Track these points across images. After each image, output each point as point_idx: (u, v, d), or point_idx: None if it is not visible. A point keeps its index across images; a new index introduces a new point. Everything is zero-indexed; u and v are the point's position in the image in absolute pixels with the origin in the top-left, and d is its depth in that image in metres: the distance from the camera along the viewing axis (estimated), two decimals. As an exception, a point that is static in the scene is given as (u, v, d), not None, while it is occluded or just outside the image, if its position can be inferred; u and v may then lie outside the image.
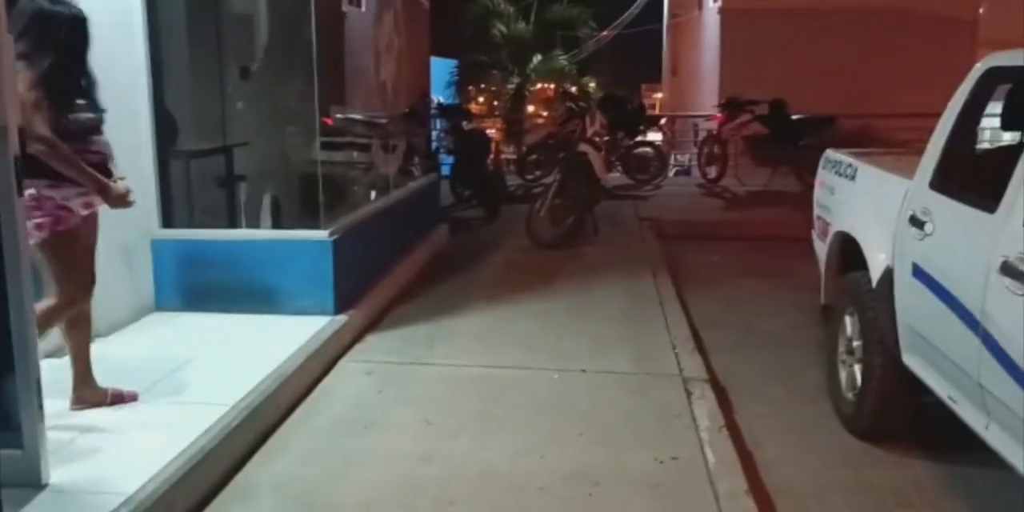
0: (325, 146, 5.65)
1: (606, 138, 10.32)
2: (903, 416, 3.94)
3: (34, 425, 2.90)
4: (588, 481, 3.42)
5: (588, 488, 3.38)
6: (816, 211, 5.27)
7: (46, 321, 3.43)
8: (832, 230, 4.78)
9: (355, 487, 3.41)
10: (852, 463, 3.82)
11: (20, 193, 2.88)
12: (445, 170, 10.66)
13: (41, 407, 2.94)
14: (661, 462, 3.60)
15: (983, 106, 3.70)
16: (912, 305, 3.65)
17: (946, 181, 3.63)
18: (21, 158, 2.89)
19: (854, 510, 3.40)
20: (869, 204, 4.39)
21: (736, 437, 3.98)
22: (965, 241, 3.32)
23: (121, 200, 3.63)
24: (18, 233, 2.82)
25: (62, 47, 3.42)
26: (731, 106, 12.14)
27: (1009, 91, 3.55)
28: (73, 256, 3.55)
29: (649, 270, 7.22)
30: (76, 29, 3.50)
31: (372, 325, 5.59)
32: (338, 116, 6.54)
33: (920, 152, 3.92)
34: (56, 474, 3.04)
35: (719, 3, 14.78)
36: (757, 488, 3.47)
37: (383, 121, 7.18)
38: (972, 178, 3.56)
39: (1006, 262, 2.86)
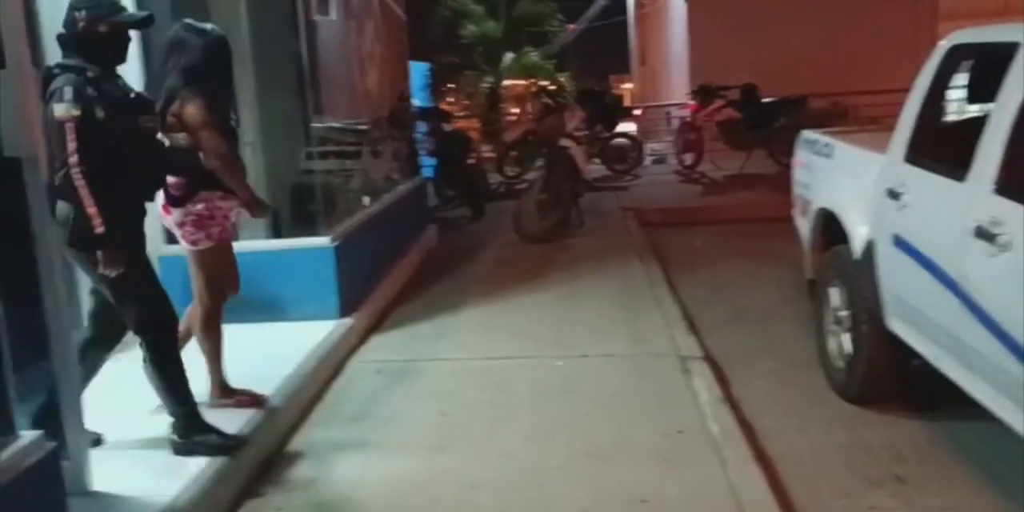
0: (317, 154, 5.79)
1: (585, 131, 10.51)
2: (892, 379, 4.15)
3: (78, 435, 3.05)
4: (601, 458, 3.61)
5: (601, 465, 3.56)
6: (796, 190, 5.47)
7: (198, 325, 3.84)
8: (813, 207, 4.98)
9: (380, 478, 3.58)
10: (847, 426, 4.02)
11: (53, 217, 3.06)
12: (428, 172, 10.81)
13: (83, 418, 3.09)
14: (668, 436, 3.79)
15: (949, 81, 3.91)
16: (894, 273, 3.86)
17: (919, 154, 3.84)
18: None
19: (853, 468, 3.60)
20: (847, 180, 4.59)
21: (735, 409, 4.18)
22: (940, 209, 3.52)
23: (266, 212, 4.06)
24: (53, 258, 2.96)
25: (216, 70, 3.69)
26: (703, 93, 12.35)
27: (973, 66, 3.77)
28: (229, 262, 3.90)
29: (636, 257, 7.42)
30: (224, 51, 3.79)
31: (375, 326, 5.76)
32: (316, 125, 6.68)
33: (892, 128, 4.13)
34: (99, 482, 3.19)
35: (684, -8, 14.99)
36: (760, 455, 3.67)
37: (365, 128, 7.32)
38: (942, 150, 3.76)
39: (979, 226, 3.06)
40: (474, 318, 5.91)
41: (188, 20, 3.78)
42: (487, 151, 14.89)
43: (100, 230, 3.10)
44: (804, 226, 5.21)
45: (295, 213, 5.97)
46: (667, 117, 15.43)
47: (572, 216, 8.85)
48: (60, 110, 3.03)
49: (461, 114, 17.71)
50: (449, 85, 20.75)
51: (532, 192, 8.58)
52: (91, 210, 3.07)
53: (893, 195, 3.86)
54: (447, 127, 11.35)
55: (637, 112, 16.08)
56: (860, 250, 4.14)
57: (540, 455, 3.68)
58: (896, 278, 3.85)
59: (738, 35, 13.41)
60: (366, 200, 6.87)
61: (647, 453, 3.64)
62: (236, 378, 4.43)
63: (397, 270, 6.88)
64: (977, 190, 3.18)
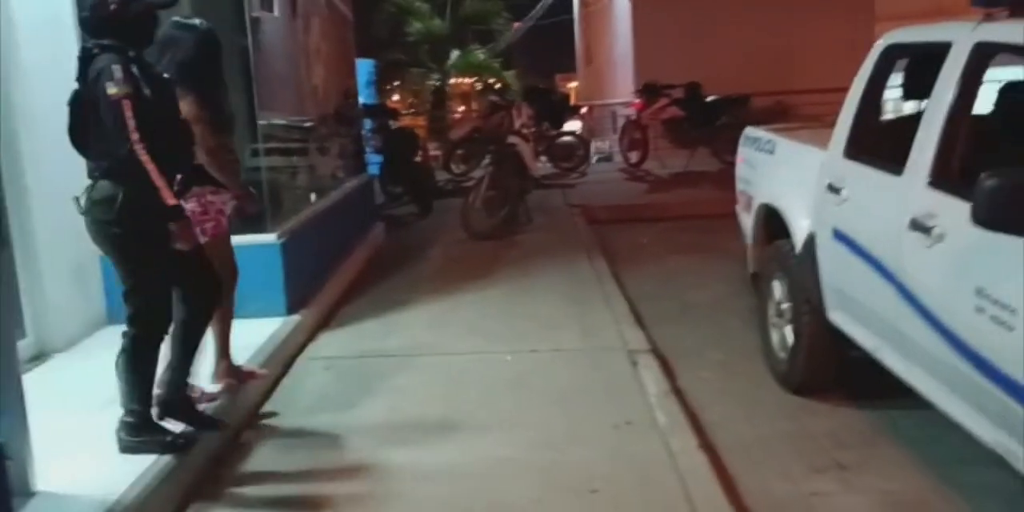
0: (263, 151, 5.73)
1: (532, 129, 10.57)
2: (832, 370, 4.26)
3: (21, 435, 3.00)
4: (552, 448, 3.66)
5: (552, 456, 3.60)
6: (739, 186, 5.58)
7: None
8: (756, 202, 5.09)
9: (331, 473, 3.58)
10: (790, 415, 4.12)
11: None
12: (374, 169, 10.78)
13: (25, 418, 3.04)
14: (617, 427, 3.86)
15: (886, 79, 4.03)
16: (834, 266, 3.96)
17: (857, 150, 3.95)
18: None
19: (796, 455, 3.70)
20: (789, 176, 4.70)
21: (682, 400, 4.26)
22: (878, 203, 3.63)
23: (256, 205, 4.18)
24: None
25: (206, 64, 3.75)
26: (648, 91, 12.49)
27: (907, 64, 3.89)
28: (228, 254, 3.97)
29: (584, 253, 7.49)
30: (214, 45, 3.84)
31: (324, 323, 5.74)
32: (262, 121, 6.62)
33: (831, 125, 4.24)
34: (42, 482, 3.14)
35: (628, -9, 15.12)
36: (707, 444, 3.75)
37: (311, 124, 7.28)
38: (880, 146, 3.87)
39: (914, 219, 3.16)
40: (423, 314, 5.92)
41: (176, 17, 3.83)
42: (433, 148, 14.90)
43: (172, 201, 3.21)
44: (747, 221, 5.31)
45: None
46: (612, 115, 15.57)
47: (520, 213, 8.91)
48: (114, 89, 3.08)
49: (407, 111, 17.66)
50: (395, 82, 20.68)
51: (480, 189, 8.61)
52: (160, 183, 3.15)
53: (833, 190, 3.96)
54: (394, 124, 11.34)
55: (583, 110, 16.18)
56: (801, 244, 4.24)
57: (491, 447, 3.71)
58: (836, 271, 3.95)
59: (682, 34, 13.58)
60: (314, 197, 6.84)
61: (597, 444, 3.70)
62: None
63: (345, 267, 6.85)
64: (913, 184, 3.28)
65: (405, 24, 18.02)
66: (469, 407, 4.20)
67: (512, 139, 8.95)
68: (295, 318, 5.33)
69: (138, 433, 3.41)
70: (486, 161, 9.53)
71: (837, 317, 3.98)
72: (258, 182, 5.55)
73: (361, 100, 10.95)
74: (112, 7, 3.22)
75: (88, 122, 3.24)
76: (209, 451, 3.68)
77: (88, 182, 3.37)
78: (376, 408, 4.23)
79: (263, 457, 3.77)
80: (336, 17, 8.04)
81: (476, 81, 19.19)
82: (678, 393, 4.35)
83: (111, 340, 5.03)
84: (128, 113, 3.08)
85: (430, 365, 4.88)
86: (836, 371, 4.25)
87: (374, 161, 10.93)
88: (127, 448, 3.40)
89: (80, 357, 4.80)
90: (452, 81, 19.31)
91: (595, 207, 10.02)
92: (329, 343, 5.39)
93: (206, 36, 3.82)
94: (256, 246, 5.31)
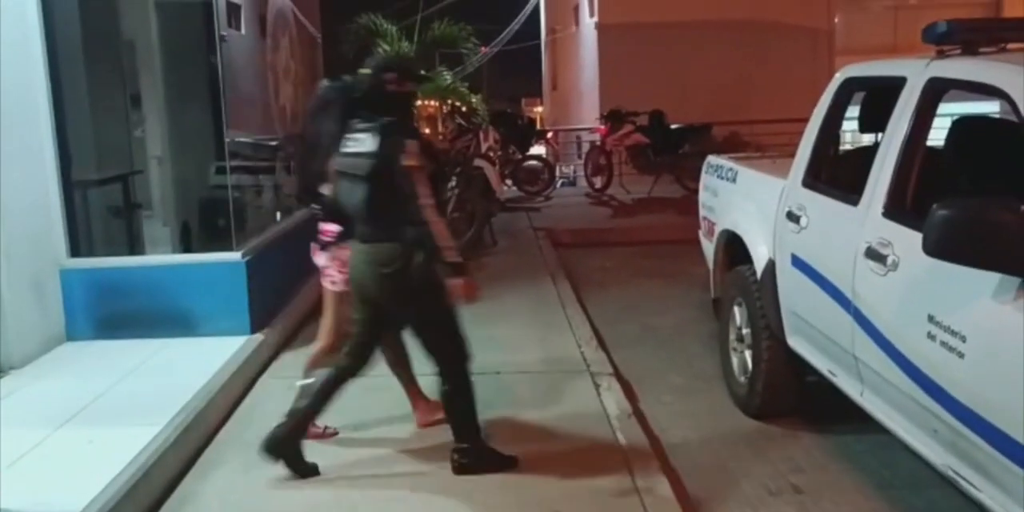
0: (229, 169, 5.74)
1: (498, 153, 10.65)
2: (792, 395, 4.35)
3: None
4: (514, 470, 3.68)
5: (515, 477, 3.62)
6: (702, 212, 5.68)
7: (319, 362, 4.00)
8: (717, 229, 5.18)
9: (296, 493, 3.57)
10: (748, 440, 4.20)
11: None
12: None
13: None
14: (580, 450, 3.90)
15: (843, 112, 4.15)
16: (793, 292, 4.05)
17: (816, 179, 4.06)
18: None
19: (753, 478, 3.77)
20: (750, 203, 4.80)
21: (644, 423, 4.31)
22: (835, 231, 3.73)
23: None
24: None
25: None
26: (613, 118, 12.64)
27: (864, 98, 4.02)
28: (347, 306, 3.93)
29: (549, 277, 7.55)
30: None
31: (287, 342, 5.71)
32: (228, 139, 6.63)
33: (791, 155, 4.35)
34: (4, 500, 3.11)
35: (595, 19, 15.34)
36: (667, 466, 3.81)
37: (278, 143, 7.29)
38: (837, 176, 3.99)
39: (869, 247, 3.26)
40: (387, 335, 5.91)
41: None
42: (400, 170, 14.85)
43: (459, 259, 3.42)
44: (709, 247, 5.40)
45: (206, 227, 5.91)
46: (578, 140, 15.72)
47: (485, 235, 8.96)
48: (409, 161, 3.38)
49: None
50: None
51: (445, 211, 8.64)
52: (448, 242, 3.40)
53: (792, 218, 4.06)
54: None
55: (549, 135, 16.33)
56: (761, 270, 4.34)
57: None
58: (794, 296, 4.04)
59: (647, 63, 13.81)
60: (279, 216, 6.84)
61: (560, 466, 3.72)
62: (143, 394, 4.38)
63: (309, 287, 6.81)
64: (868, 214, 3.38)
65: (373, 46, 18.07)
66: (432, 429, 4.20)
67: (478, 162, 9.03)
68: (258, 337, 5.32)
69: (475, 459, 3.66)
70: (452, 183, 9.58)
71: (795, 342, 4.07)
72: (222, 200, 5.57)
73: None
74: (390, 87, 3.57)
75: (380, 190, 3.48)
76: (168, 472, 3.66)
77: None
78: (338, 429, 4.22)
79: (223, 477, 3.74)
80: (304, 37, 8.09)
81: (443, 104, 19.24)
82: (639, 416, 4.40)
83: (69, 357, 5.05)
84: (421, 180, 3.39)
85: (393, 386, 4.84)
86: (795, 396, 4.34)
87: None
88: (463, 470, 3.66)
89: (37, 374, 4.75)
90: (419, 103, 19.38)
91: (560, 231, 10.11)
92: (292, 363, 5.34)
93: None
94: (220, 264, 5.33)
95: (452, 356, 3.65)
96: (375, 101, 3.59)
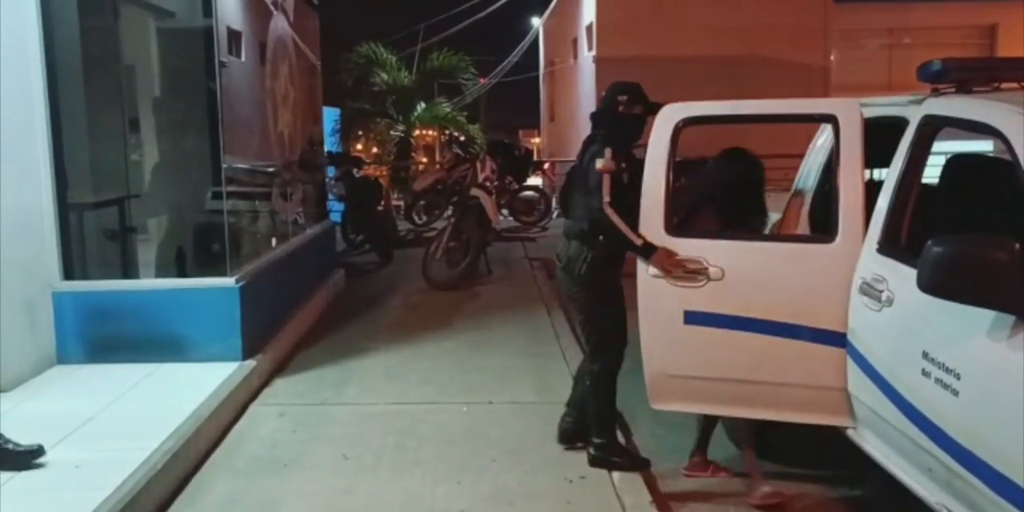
0: (225, 194, 5.75)
1: (495, 182, 10.69)
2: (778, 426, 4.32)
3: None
4: (505, 501, 3.66)
5: (506, 508, 3.60)
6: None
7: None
8: (712, 262, 5.16)
9: (282, 521, 3.54)
10: (741, 473, 4.16)
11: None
12: (336, 217, 10.80)
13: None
14: (571, 481, 3.87)
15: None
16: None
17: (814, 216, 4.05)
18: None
19: (742, 509, 3.74)
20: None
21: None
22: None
23: None
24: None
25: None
26: (610, 150, 12.68)
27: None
28: None
29: (543, 307, 7.54)
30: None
31: (279, 369, 5.69)
32: (226, 165, 6.65)
33: (787, 189, 4.36)
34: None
35: (593, 52, 15.48)
36: (658, 499, 3.77)
37: (275, 170, 7.31)
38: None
39: (864, 283, 3.26)
40: (380, 363, 5.90)
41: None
42: (396, 198, 14.96)
43: (640, 241, 3.95)
44: (704, 280, 5.38)
45: (200, 252, 5.90)
46: (574, 172, 15.75)
47: (480, 265, 8.96)
48: (600, 164, 3.92)
49: (371, 161, 17.78)
50: (359, 131, 20.80)
51: (441, 240, 8.66)
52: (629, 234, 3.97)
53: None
54: (358, 173, 11.40)
55: (546, 166, 16.41)
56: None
57: (445, 498, 3.70)
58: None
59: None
60: (275, 242, 6.84)
61: (550, 496, 3.70)
62: (133, 418, 4.35)
63: (303, 313, 6.82)
64: (864, 250, 3.39)
65: (372, 74, 18.21)
66: (423, 457, 4.18)
67: (475, 191, 9.04)
68: (250, 363, 5.29)
69: (607, 455, 3.99)
70: (448, 212, 9.62)
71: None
72: (217, 225, 5.58)
73: (326, 148, 11.02)
74: (620, 108, 4.19)
75: (575, 189, 4.09)
76: (159, 497, 3.62)
77: None
78: (329, 457, 4.19)
79: (213, 501, 3.71)
80: (304, 64, 8.15)
81: (441, 133, 19.35)
82: (633, 449, 4.37)
83: (60, 380, 5.01)
84: (606, 184, 3.85)
85: (385, 414, 4.85)
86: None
87: (336, 209, 10.96)
88: (596, 463, 3.98)
89: (26, 397, 4.71)
90: (417, 132, 19.48)
91: (555, 261, 10.09)
92: (284, 389, 5.34)
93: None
94: (213, 289, 5.31)
95: (606, 341, 4.23)
96: (603, 117, 4.23)
